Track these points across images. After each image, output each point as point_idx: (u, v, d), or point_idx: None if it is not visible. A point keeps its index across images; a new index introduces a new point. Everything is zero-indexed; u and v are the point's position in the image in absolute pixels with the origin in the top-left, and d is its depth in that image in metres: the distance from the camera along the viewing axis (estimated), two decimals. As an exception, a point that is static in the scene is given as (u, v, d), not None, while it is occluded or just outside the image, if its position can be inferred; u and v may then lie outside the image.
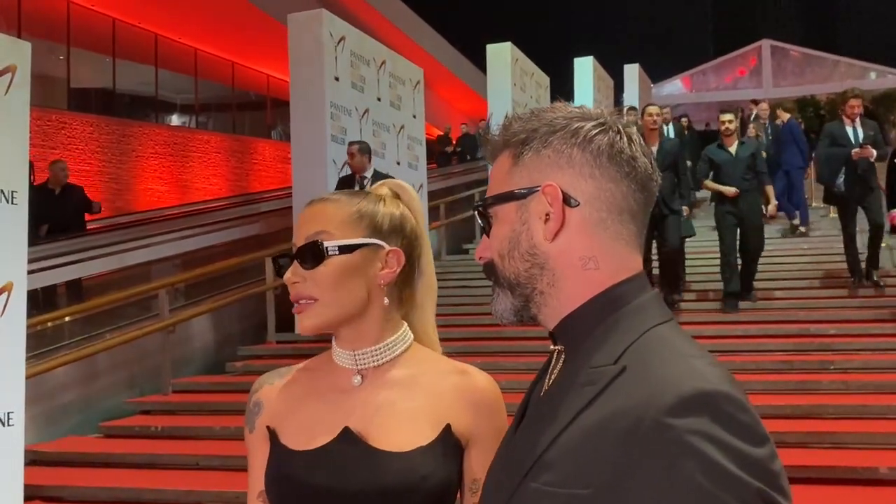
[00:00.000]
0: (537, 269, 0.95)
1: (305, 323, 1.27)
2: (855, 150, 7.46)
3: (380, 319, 1.30)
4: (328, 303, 1.26)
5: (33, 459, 5.20)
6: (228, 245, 9.17)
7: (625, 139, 0.96)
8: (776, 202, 7.76)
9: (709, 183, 7.65)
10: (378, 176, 6.60)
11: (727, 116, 7.62)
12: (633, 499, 0.79)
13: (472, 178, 13.96)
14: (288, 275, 1.27)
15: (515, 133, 0.99)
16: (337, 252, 1.26)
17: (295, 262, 1.28)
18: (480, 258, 1.01)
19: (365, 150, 6.88)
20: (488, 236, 1.01)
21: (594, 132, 0.95)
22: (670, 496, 0.77)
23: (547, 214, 0.94)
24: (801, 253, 9.64)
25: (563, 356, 0.97)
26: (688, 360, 0.86)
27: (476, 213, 1.02)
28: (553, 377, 0.97)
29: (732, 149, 7.51)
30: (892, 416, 5.08)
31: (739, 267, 7.53)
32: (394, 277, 1.30)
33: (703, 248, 8.98)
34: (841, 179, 7.65)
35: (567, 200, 0.94)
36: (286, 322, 7.66)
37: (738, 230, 7.45)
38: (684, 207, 7.56)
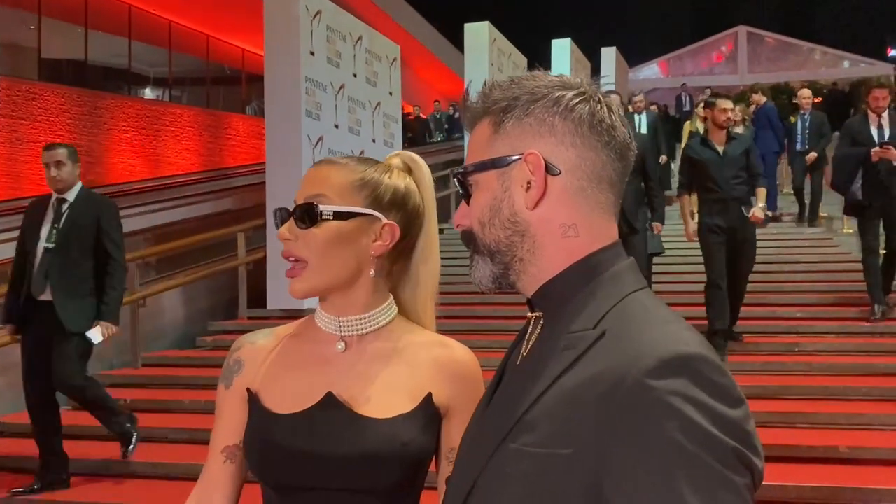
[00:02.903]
0: (518, 236, 0.97)
1: (297, 286, 1.28)
2: (875, 150, 6.22)
3: (368, 290, 1.31)
4: (317, 267, 1.27)
5: (0, 431, 5.17)
6: (201, 220, 9.10)
7: (605, 109, 0.97)
8: (764, 205, 6.25)
9: (684, 207, 6.31)
10: (86, 197, 4.67)
11: (726, 104, 5.97)
12: (614, 457, 0.81)
13: (450, 157, 13.95)
14: (283, 230, 1.28)
15: (496, 101, 0.99)
16: (331, 217, 1.27)
17: (291, 219, 1.28)
18: (459, 225, 1.02)
19: (76, 156, 4.71)
20: (468, 204, 1.01)
21: (575, 101, 0.96)
22: (650, 454, 0.79)
23: (528, 182, 0.95)
24: (771, 238, 9.75)
25: (541, 322, 0.98)
26: (666, 324, 0.89)
27: (455, 180, 1.02)
28: (531, 343, 0.99)
29: (720, 146, 5.97)
30: (853, 398, 5.20)
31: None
32: (385, 251, 1.31)
33: (675, 233, 9.01)
34: (857, 185, 6.42)
35: (549, 169, 0.95)
36: (258, 298, 7.64)
37: (727, 247, 5.95)
38: (655, 224, 6.37)
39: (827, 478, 4.05)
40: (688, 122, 12.83)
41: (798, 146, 10.38)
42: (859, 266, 6.78)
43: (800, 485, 3.96)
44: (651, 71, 29.92)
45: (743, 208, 5.94)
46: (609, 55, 16.89)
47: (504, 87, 0.99)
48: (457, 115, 17.14)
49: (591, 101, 0.97)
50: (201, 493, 1.35)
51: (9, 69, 14.33)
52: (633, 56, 24.43)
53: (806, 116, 10.37)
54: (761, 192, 6.32)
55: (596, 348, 0.88)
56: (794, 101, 13.35)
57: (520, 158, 0.96)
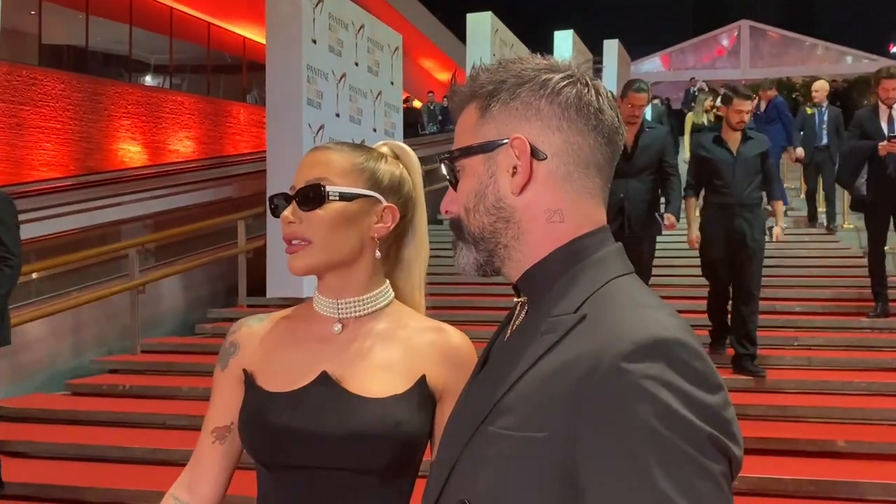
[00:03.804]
0: (502, 222, 0.96)
1: (297, 263, 1.30)
2: (882, 144, 5.86)
3: (368, 272, 1.33)
4: (321, 246, 1.29)
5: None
6: (201, 207, 9.10)
7: (592, 92, 0.96)
8: (784, 224, 5.71)
9: (690, 210, 5.64)
10: None
11: (744, 105, 5.33)
12: (587, 442, 0.80)
13: (445, 149, 13.90)
14: (286, 213, 1.30)
15: (483, 84, 0.98)
16: (337, 198, 1.29)
17: (294, 202, 1.30)
18: (447, 212, 1.01)
19: None
20: (455, 190, 1.00)
21: (562, 84, 0.95)
22: (624, 439, 0.78)
23: (514, 167, 0.94)
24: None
25: (525, 307, 0.98)
26: (646, 309, 0.87)
27: (442, 165, 1.01)
28: (515, 326, 0.99)
29: (734, 145, 5.38)
30: (851, 392, 5.20)
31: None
32: (387, 232, 1.34)
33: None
34: (862, 180, 6.12)
35: (535, 153, 0.94)
36: (257, 285, 7.64)
37: (729, 260, 5.41)
38: (667, 216, 5.47)
39: (825, 472, 4.06)
40: (690, 114, 12.60)
41: (824, 141, 9.49)
42: (859, 261, 6.78)
43: (797, 478, 3.96)
44: (653, 64, 29.82)
45: (752, 217, 5.37)
46: (611, 47, 16.83)
47: (491, 70, 0.98)
48: None
49: (579, 85, 0.95)
50: (190, 473, 1.38)
51: (9, 55, 14.29)
52: (636, 49, 24.37)
53: (824, 110, 9.63)
54: (779, 209, 5.87)
55: (575, 332, 0.87)
56: (794, 95, 13.09)
57: (506, 143, 0.94)
